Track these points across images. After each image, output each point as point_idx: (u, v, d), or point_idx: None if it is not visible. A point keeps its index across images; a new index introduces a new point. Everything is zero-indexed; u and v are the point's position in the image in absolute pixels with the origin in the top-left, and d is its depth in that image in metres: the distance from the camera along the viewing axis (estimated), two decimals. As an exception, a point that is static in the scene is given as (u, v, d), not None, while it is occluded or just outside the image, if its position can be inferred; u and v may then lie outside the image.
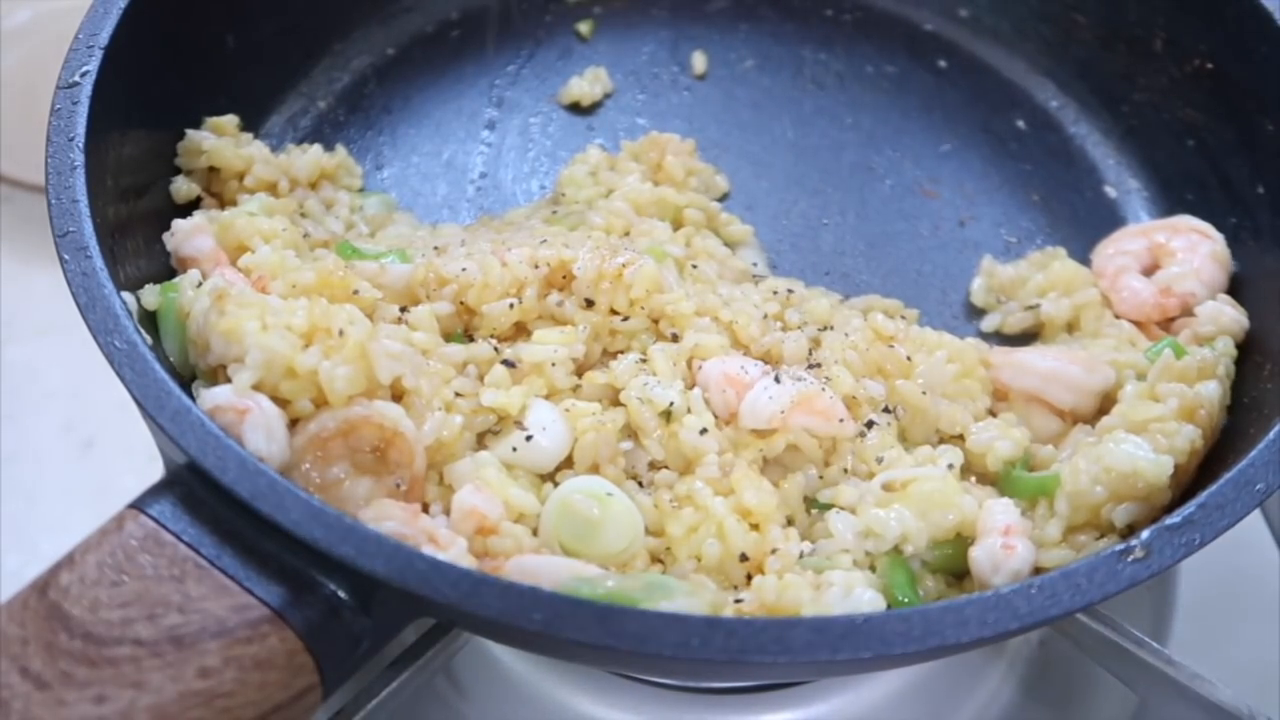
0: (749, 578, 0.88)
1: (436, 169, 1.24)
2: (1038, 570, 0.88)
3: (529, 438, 0.92)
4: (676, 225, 1.15)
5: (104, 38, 0.99)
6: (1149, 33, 1.23)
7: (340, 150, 1.19)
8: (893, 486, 0.92)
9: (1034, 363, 1.03)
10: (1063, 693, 1.12)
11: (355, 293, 0.94)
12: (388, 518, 0.84)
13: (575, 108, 1.30)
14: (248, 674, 0.72)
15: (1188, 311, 1.08)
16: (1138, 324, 1.10)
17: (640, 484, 0.94)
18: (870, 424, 0.97)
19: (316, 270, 0.95)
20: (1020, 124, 1.30)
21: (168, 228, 1.02)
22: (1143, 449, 0.90)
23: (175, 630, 0.72)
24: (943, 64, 1.34)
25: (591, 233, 1.09)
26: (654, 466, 0.94)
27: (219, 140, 1.10)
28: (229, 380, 0.87)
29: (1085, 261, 1.15)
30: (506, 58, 1.32)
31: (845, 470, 0.95)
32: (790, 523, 0.93)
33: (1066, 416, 1.01)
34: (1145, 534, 0.79)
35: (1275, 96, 1.11)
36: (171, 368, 0.92)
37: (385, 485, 0.88)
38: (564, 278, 0.99)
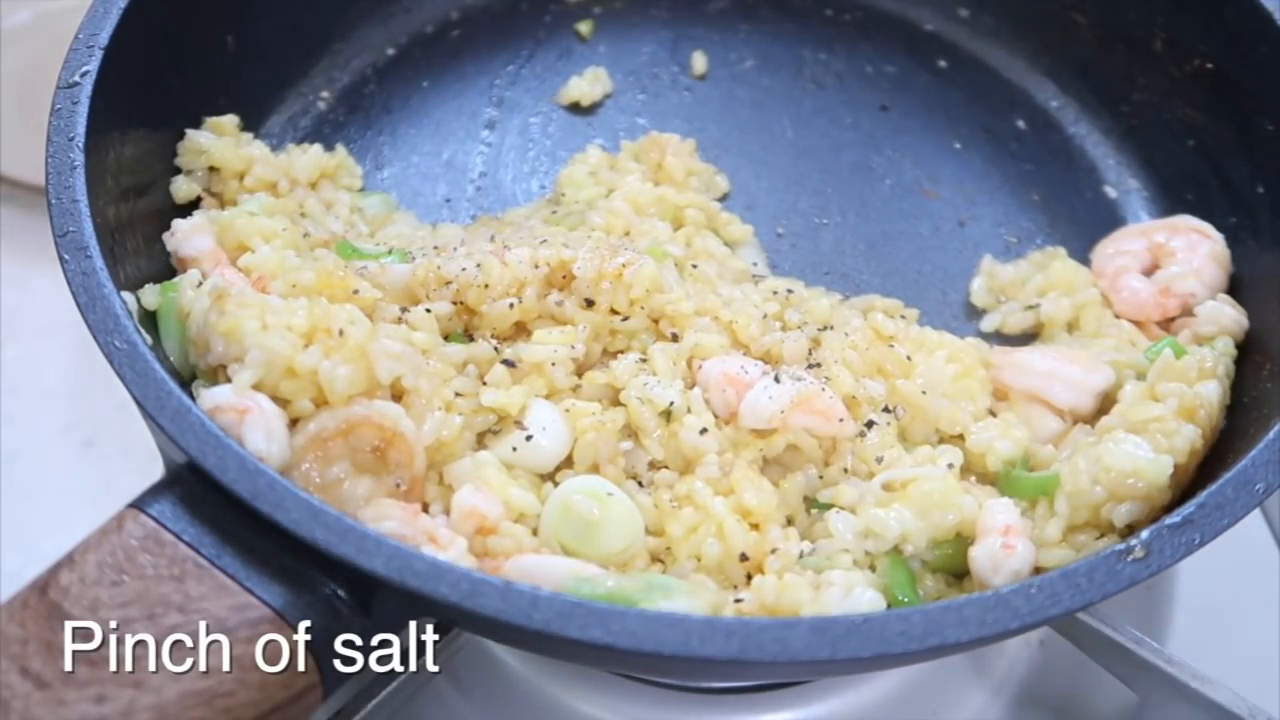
0: (749, 578, 0.88)
1: (436, 169, 1.24)
2: (1038, 570, 0.88)
3: (529, 437, 0.92)
4: (676, 225, 1.15)
5: (104, 38, 0.99)
6: (1149, 33, 1.23)
7: (340, 150, 1.19)
8: (893, 486, 0.92)
9: (1034, 362, 1.03)
10: (1063, 693, 1.12)
11: (355, 293, 0.94)
12: (387, 518, 0.84)
13: (575, 108, 1.30)
14: (248, 674, 0.72)
15: (1188, 311, 1.09)
16: (1138, 324, 1.10)
17: (640, 484, 0.94)
18: (870, 424, 0.97)
19: (317, 270, 0.95)
20: (1020, 124, 1.30)
21: (168, 227, 1.02)
22: (1142, 449, 0.90)
23: (175, 630, 0.72)
24: (943, 64, 1.34)
25: (591, 233, 1.09)
26: (654, 466, 0.94)
27: (219, 140, 1.10)
28: (229, 380, 0.87)
29: (1085, 261, 1.16)
30: (506, 58, 1.32)
31: (845, 470, 0.96)
32: (790, 522, 0.93)
33: (1066, 416, 1.01)
34: (1145, 534, 0.79)
35: (1275, 96, 1.11)
36: (171, 368, 0.92)
37: (385, 485, 0.88)
38: (564, 277, 0.99)
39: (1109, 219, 1.22)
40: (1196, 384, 0.95)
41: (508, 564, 0.85)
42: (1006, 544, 0.88)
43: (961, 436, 0.99)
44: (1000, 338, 1.14)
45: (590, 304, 0.99)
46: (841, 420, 0.95)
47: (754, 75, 1.33)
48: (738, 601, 0.86)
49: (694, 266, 1.06)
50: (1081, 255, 1.16)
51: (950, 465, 0.94)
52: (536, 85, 1.31)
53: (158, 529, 0.76)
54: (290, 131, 1.23)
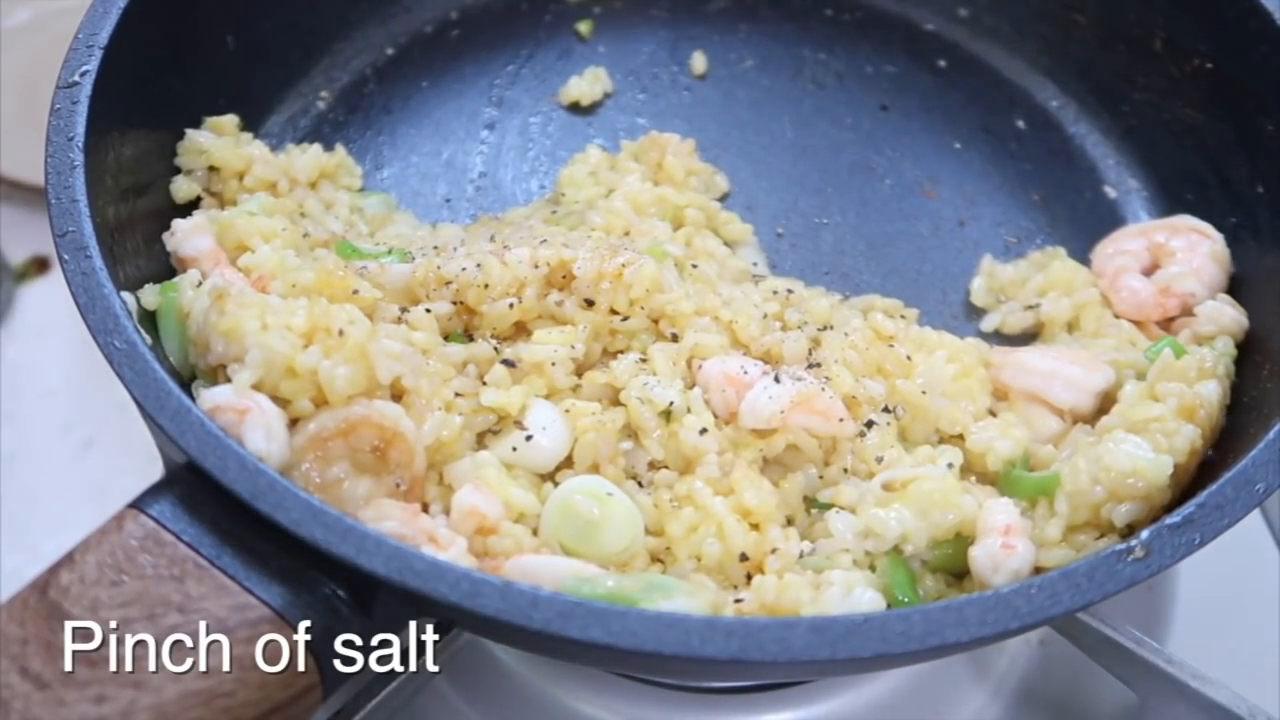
0: (749, 578, 0.88)
1: (436, 169, 1.24)
2: (1038, 570, 0.88)
3: (529, 437, 0.92)
4: (676, 225, 1.15)
5: (104, 37, 0.99)
6: (1149, 33, 1.23)
7: (340, 150, 1.19)
8: (893, 486, 0.92)
9: (1033, 362, 1.03)
10: (1063, 693, 1.12)
11: (355, 293, 0.94)
12: (387, 518, 0.84)
13: (575, 108, 1.30)
14: (248, 674, 0.72)
15: (1187, 311, 1.09)
16: (1138, 324, 1.10)
17: (640, 484, 0.94)
18: (870, 424, 0.97)
19: (316, 270, 0.95)
20: (1020, 124, 1.30)
21: (168, 227, 1.02)
22: (1142, 449, 0.90)
23: (175, 630, 0.72)
24: (942, 64, 1.34)
25: (591, 233, 1.09)
26: (654, 466, 0.94)
27: (219, 140, 1.10)
28: (229, 380, 0.87)
29: (1085, 261, 1.15)
30: (506, 58, 1.32)
31: (845, 470, 0.95)
32: (790, 522, 0.93)
33: (1066, 416, 1.01)
34: (1145, 534, 0.79)
35: (1275, 96, 1.11)
36: (171, 368, 0.92)
37: (385, 485, 0.88)
38: (564, 277, 0.99)
39: (1109, 219, 1.22)
40: (1196, 384, 0.95)
41: (508, 564, 0.85)
42: (1006, 544, 0.88)
43: (961, 436, 0.99)
44: (1000, 338, 1.14)
45: (590, 304, 0.99)
46: (841, 420, 0.95)
47: (754, 75, 1.33)
48: (738, 601, 0.86)
49: (694, 266, 1.06)
50: (1081, 255, 1.16)
51: (950, 465, 0.94)
52: (536, 85, 1.31)
53: (157, 529, 0.76)
54: (290, 131, 1.23)
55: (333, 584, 0.76)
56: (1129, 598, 1.13)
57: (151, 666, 0.71)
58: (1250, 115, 1.14)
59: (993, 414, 1.02)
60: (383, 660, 0.79)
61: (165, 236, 1.01)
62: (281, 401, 0.87)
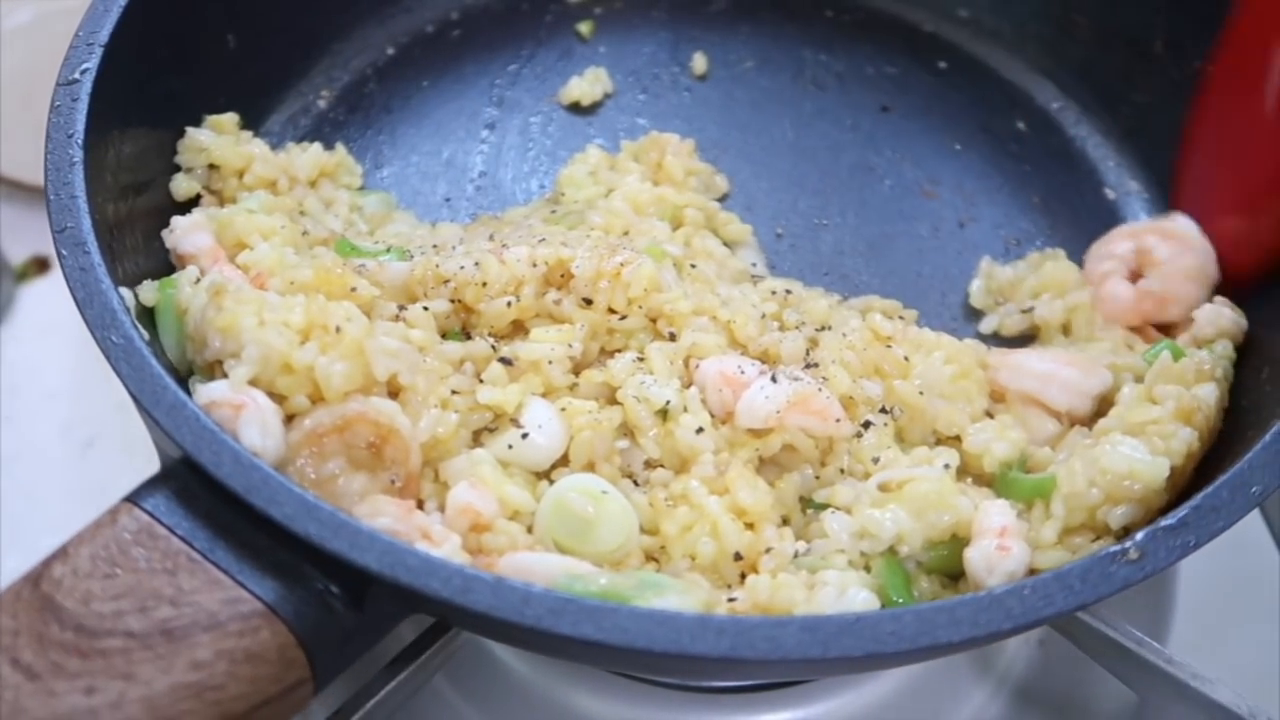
0: (743, 577, 0.88)
1: (436, 168, 1.24)
2: (1032, 572, 0.88)
3: (525, 435, 0.92)
4: (676, 225, 1.15)
5: (104, 35, 0.99)
6: (1149, 34, 1.23)
7: (340, 149, 1.19)
8: (889, 487, 0.92)
9: (1031, 364, 1.02)
10: (1063, 693, 1.12)
11: (353, 290, 0.95)
12: (382, 514, 0.84)
13: (575, 108, 1.30)
14: (238, 667, 0.72)
15: (1166, 317, 1.08)
16: (1135, 329, 1.09)
17: (635, 482, 0.94)
18: (867, 424, 0.97)
19: (314, 267, 0.95)
20: (1020, 125, 1.30)
21: (167, 225, 1.02)
22: (1139, 451, 0.89)
23: (167, 623, 0.72)
24: (943, 65, 1.34)
25: (590, 232, 1.08)
26: (650, 465, 0.94)
27: (219, 137, 1.10)
28: (226, 376, 0.87)
29: (1083, 263, 1.15)
30: (506, 58, 1.32)
31: (841, 470, 0.95)
32: (785, 522, 0.92)
33: (1063, 418, 1.01)
34: (1139, 536, 0.78)
35: (1275, 98, 1.11)
36: (169, 364, 0.92)
37: (380, 481, 0.88)
38: (562, 276, 0.99)
39: (1109, 221, 1.22)
40: (1194, 386, 0.95)
41: (501, 561, 0.85)
42: (1001, 545, 0.87)
43: (958, 438, 0.98)
44: (999, 339, 1.13)
45: (588, 303, 0.99)
46: (838, 420, 0.95)
47: (754, 76, 1.33)
48: (731, 600, 0.85)
49: (692, 266, 1.06)
50: (1081, 257, 1.16)
51: (947, 466, 0.94)
52: (537, 85, 1.31)
53: (151, 523, 0.76)
54: (290, 130, 1.23)
55: (325, 579, 0.76)
56: (1129, 598, 1.13)
57: (142, 659, 0.70)
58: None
59: (990, 415, 1.02)
60: (375, 657, 0.79)
61: (164, 233, 1.01)
62: (278, 397, 0.87)
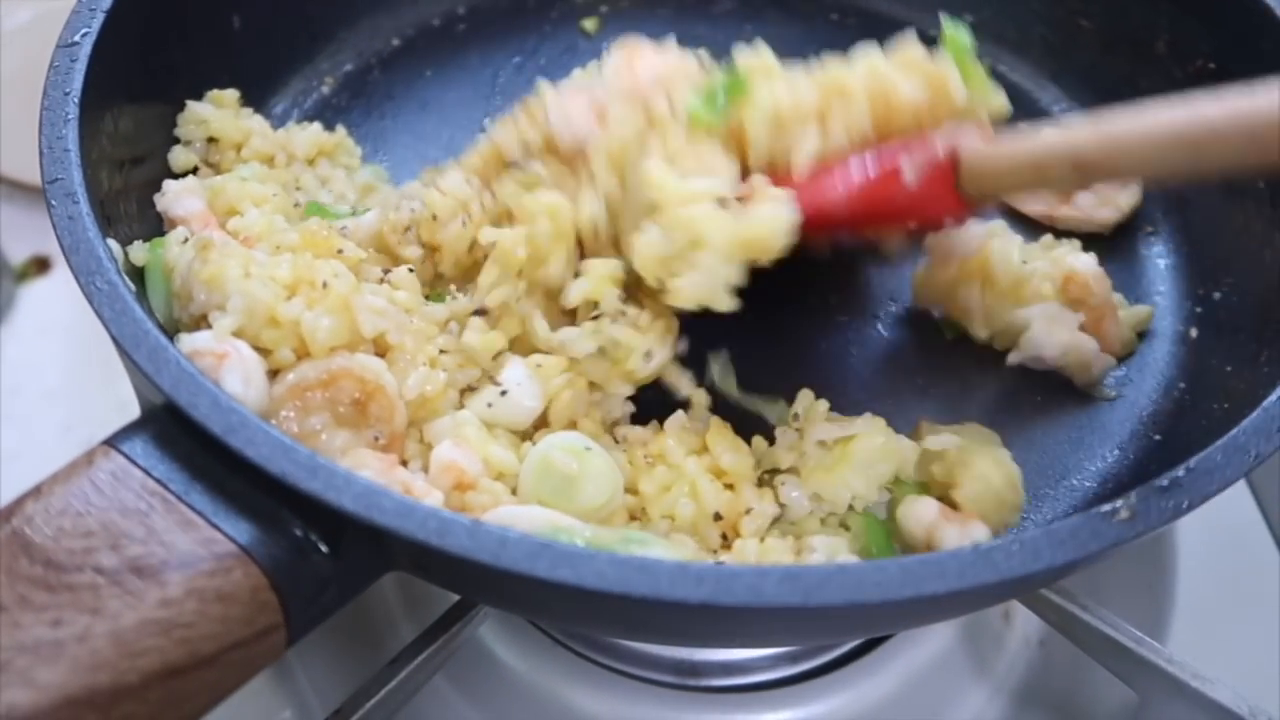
0: (724, 538, 0.87)
1: (436, 153, 1.23)
2: None
3: (504, 393, 0.92)
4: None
5: (106, 2, 1.00)
6: (1152, 35, 1.23)
7: (340, 131, 1.19)
8: (828, 444, 0.92)
9: None
10: (1062, 692, 1.11)
11: (340, 252, 0.94)
12: (364, 467, 0.83)
13: (578, 102, 1.30)
14: (209, 606, 0.70)
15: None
16: None
17: (615, 439, 0.93)
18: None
19: (300, 230, 0.95)
20: (1024, 127, 1.29)
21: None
22: None
23: (138, 560, 0.71)
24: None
25: None
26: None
27: (219, 111, 1.10)
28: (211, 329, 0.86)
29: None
30: (511, 51, 1.33)
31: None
32: (762, 483, 0.92)
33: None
34: (1131, 495, 0.77)
35: (1277, 94, 1.11)
36: (158, 324, 0.91)
37: (364, 438, 0.87)
38: (503, 163, 1.01)
39: (1111, 220, 1.21)
40: None
41: (486, 516, 0.84)
42: (961, 521, 0.88)
43: None
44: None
45: (549, 151, 0.99)
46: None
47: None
48: (719, 565, 0.84)
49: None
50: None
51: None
52: (540, 78, 1.31)
53: (128, 465, 0.75)
54: (293, 113, 1.24)
55: (302, 524, 0.74)
56: (1129, 597, 1.12)
57: (111, 594, 0.69)
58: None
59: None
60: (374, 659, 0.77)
61: (156, 197, 1.01)
62: (262, 351, 0.86)
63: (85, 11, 0.99)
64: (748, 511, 0.88)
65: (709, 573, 0.70)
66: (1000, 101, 1.05)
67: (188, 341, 0.84)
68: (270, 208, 1.01)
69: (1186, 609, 1.14)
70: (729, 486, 0.89)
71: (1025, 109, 1.31)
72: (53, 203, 0.87)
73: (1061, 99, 1.31)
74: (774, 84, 0.98)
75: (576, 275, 0.95)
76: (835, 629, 0.89)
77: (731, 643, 1.01)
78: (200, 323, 0.89)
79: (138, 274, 0.94)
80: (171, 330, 0.93)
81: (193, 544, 0.72)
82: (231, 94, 1.13)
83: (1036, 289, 1.03)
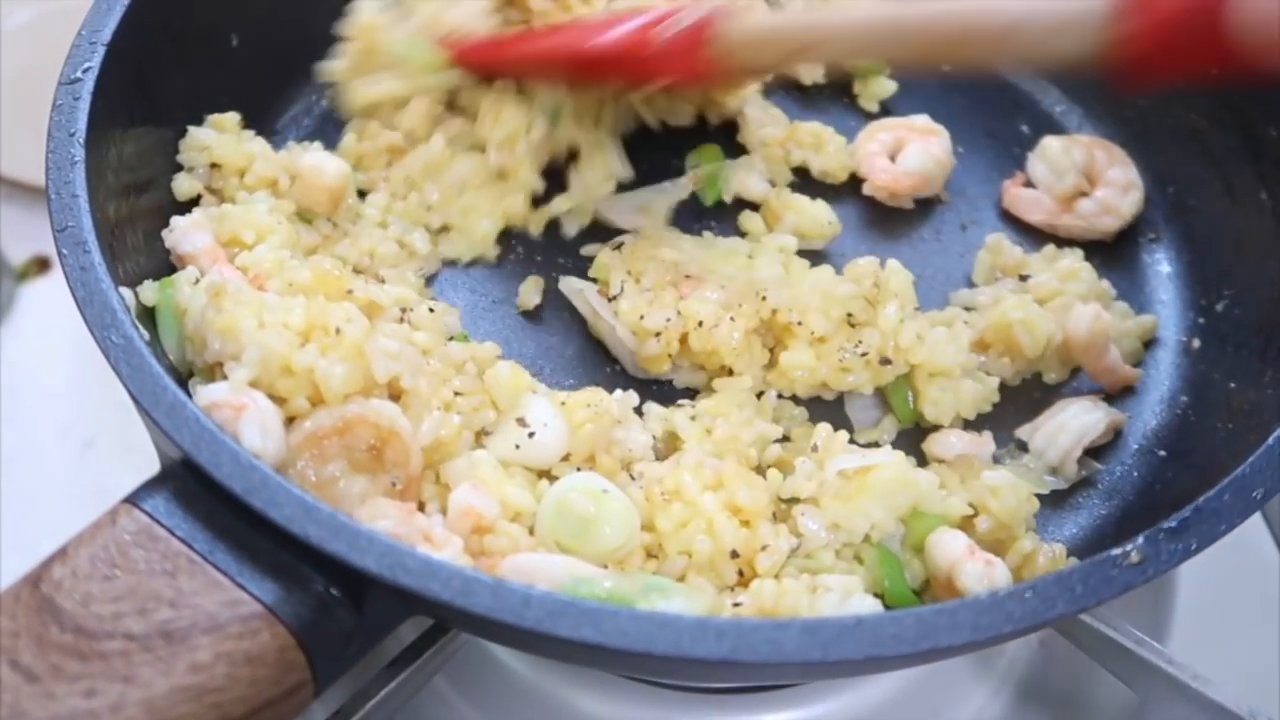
0: (741, 574, 0.88)
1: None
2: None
3: (531, 434, 0.92)
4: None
5: (107, 34, 0.99)
6: (1153, 37, 1.23)
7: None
8: (847, 474, 0.93)
9: None
10: (1063, 693, 1.12)
11: (350, 292, 0.95)
12: (383, 516, 0.84)
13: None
14: (238, 669, 0.72)
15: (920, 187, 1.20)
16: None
17: (631, 476, 0.94)
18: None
19: (312, 269, 0.95)
20: (1024, 128, 1.29)
21: (168, 224, 1.02)
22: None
23: (166, 625, 0.72)
24: (946, 68, 1.33)
25: None
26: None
27: (221, 136, 1.10)
28: (225, 378, 0.87)
29: (1098, 267, 1.15)
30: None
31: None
32: (778, 519, 0.93)
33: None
34: (1141, 539, 0.78)
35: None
36: (170, 365, 0.92)
37: (381, 484, 0.88)
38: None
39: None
40: None
41: (504, 563, 0.85)
42: (986, 560, 0.90)
43: None
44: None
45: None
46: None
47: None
48: (736, 605, 0.86)
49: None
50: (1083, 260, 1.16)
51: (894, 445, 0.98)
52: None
53: (151, 524, 0.76)
54: (293, 131, 1.23)
55: (325, 581, 0.76)
56: (1129, 598, 1.13)
57: (142, 661, 0.70)
58: (1255, 121, 1.13)
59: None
60: (375, 659, 0.78)
61: (164, 233, 1.01)
62: (278, 400, 0.87)
63: (86, 45, 0.98)
64: (764, 548, 0.89)
65: (729, 629, 0.71)
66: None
67: (205, 394, 0.85)
68: (277, 240, 1.01)
69: (1187, 610, 1.15)
70: (745, 523, 0.90)
71: (1026, 110, 1.31)
72: (64, 251, 0.87)
73: (1061, 100, 1.31)
74: None
75: None
76: (852, 673, 0.91)
77: (750, 683, 1.03)
78: (215, 370, 0.90)
79: (148, 314, 0.94)
80: (184, 371, 0.93)
81: (219, 605, 0.73)
82: (232, 117, 1.12)
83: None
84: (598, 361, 1.08)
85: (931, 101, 1.30)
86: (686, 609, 0.81)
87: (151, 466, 0.85)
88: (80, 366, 1.34)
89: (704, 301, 1.02)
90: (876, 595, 0.90)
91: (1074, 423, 1.02)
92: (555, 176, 1.17)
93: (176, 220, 1.02)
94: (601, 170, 1.14)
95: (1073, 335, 1.06)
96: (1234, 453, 0.88)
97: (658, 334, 1.01)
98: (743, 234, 1.15)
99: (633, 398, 1.00)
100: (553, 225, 1.16)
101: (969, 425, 1.05)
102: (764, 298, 1.02)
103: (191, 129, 1.09)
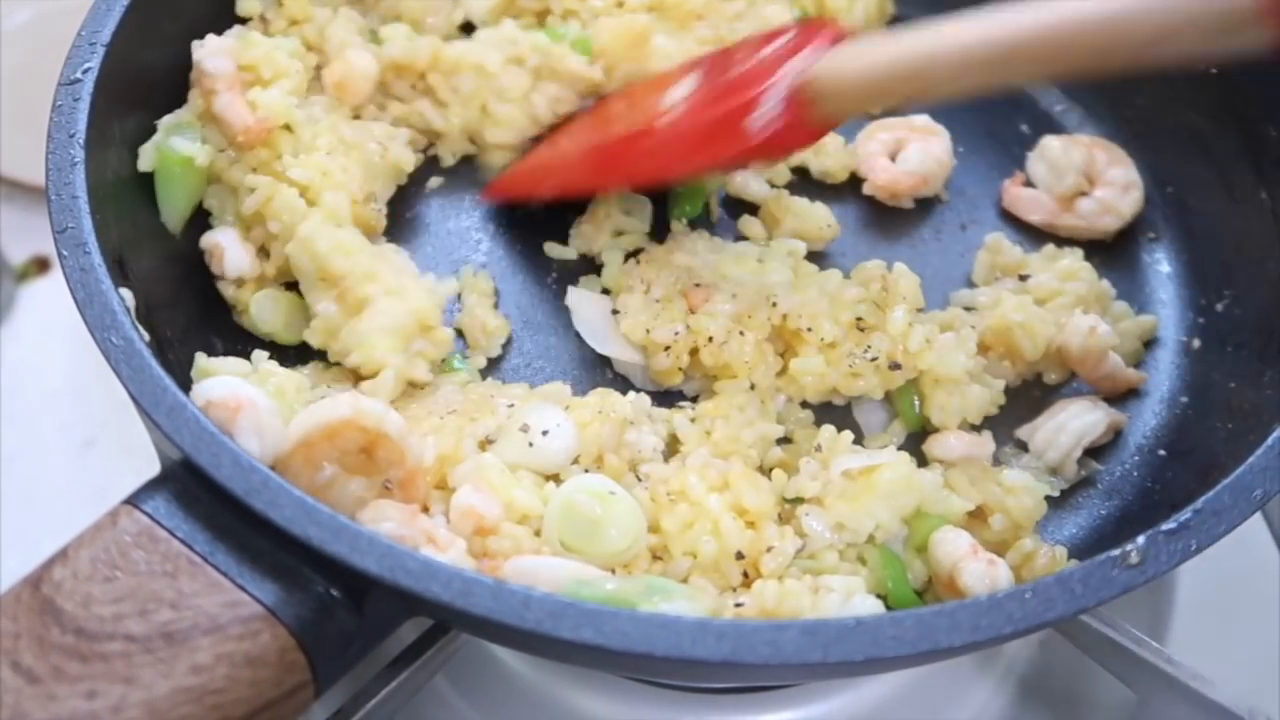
0: (745, 576, 0.88)
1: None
2: None
3: (545, 432, 0.93)
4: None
5: (106, 35, 0.99)
6: (1153, 37, 1.23)
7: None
8: (852, 475, 0.93)
9: None
10: (1063, 693, 1.12)
11: None
12: (385, 519, 0.84)
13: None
14: (239, 671, 0.72)
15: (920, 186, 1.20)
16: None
17: (638, 477, 0.94)
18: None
19: None
20: (1024, 128, 1.29)
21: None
22: None
23: (167, 626, 0.72)
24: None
25: None
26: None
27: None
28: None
29: (1099, 269, 1.15)
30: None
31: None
32: (782, 520, 0.93)
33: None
34: (1140, 540, 0.78)
35: None
36: (167, 366, 0.91)
37: (376, 485, 0.87)
38: None
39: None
40: None
41: (507, 565, 0.85)
42: (989, 559, 0.90)
43: None
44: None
45: None
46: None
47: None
48: (738, 606, 0.86)
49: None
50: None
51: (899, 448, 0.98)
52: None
53: (151, 525, 0.76)
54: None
55: (326, 582, 0.76)
56: (1129, 598, 1.13)
57: (143, 663, 0.70)
58: (1255, 121, 1.14)
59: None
60: (375, 660, 0.78)
61: (194, 45, 1.07)
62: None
63: (85, 46, 0.98)
64: (769, 549, 0.89)
65: (729, 630, 0.72)
66: None
67: (202, 392, 0.85)
68: (289, 84, 1.06)
69: (1186, 609, 1.15)
70: (750, 524, 0.91)
71: (1026, 110, 1.31)
72: (64, 253, 0.87)
73: (1061, 100, 1.31)
74: None
75: None
76: (852, 674, 0.91)
77: (750, 683, 1.03)
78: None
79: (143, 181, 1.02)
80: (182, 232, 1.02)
81: (220, 607, 0.73)
82: None
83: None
84: (601, 363, 1.08)
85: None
86: (689, 610, 0.81)
87: (152, 466, 0.85)
88: (80, 366, 1.34)
89: (714, 315, 1.01)
90: (879, 596, 0.90)
91: (1074, 423, 1.02)
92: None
93: (210, 38, 1.07)
94: (607, 225, 1.13)
95: (1066, 347, 1.07)
96: (1234, 453, 0.88)
97: (667, 348, 1.01)
98: (744, 237, 1.15)
99: (644, 400, 1.00)
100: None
101: (967, 423, 1.05)
102: (774, 304, 1.02)
103: None
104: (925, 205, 1.23)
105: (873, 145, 1.22)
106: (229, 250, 1.03)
